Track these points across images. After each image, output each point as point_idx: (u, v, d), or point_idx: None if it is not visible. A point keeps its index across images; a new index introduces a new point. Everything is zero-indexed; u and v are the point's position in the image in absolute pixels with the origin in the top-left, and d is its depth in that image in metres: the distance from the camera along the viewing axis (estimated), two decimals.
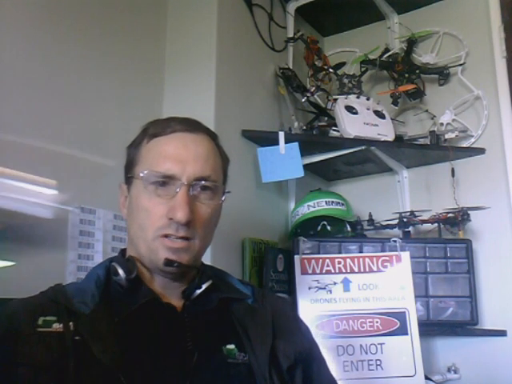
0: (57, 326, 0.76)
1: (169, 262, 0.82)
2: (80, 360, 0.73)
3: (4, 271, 1.09)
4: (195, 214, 0.83)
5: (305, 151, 1.64)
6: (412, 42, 1.93)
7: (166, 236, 0.82)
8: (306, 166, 1.65)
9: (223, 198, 0.89)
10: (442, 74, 1.90)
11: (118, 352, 0.75)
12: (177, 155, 0.84)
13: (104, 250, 1.29)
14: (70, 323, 0.76)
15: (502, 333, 1.68)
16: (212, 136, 0.91)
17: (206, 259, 1.10)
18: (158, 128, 0.88)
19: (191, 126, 0.89)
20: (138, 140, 0.90)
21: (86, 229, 1.26)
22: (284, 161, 1.59)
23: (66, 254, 1.22)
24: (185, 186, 0.82)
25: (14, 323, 0.76)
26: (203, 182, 0.84)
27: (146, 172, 0.84)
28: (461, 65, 1.88)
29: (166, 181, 0.83)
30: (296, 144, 1.60)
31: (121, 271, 0.82)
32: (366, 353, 1.43)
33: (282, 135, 1.61)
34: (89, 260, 1.25)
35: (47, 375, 0.70)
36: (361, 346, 1.44)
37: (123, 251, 0.91)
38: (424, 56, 1.94)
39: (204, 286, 0.85)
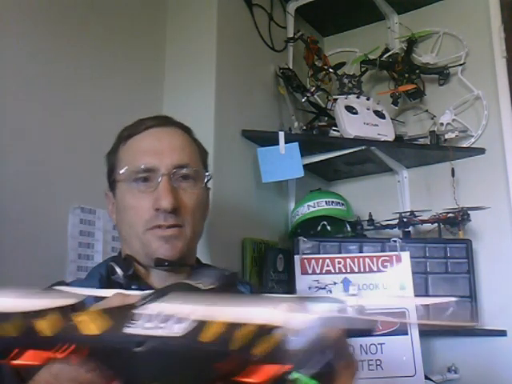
0: None
1: (159, 262, 0.83)
2: None
3: (4, 270, 1.09)
4: (180, 202, 0.84)
5: (305, 151, 1.64)
6: (412, 42, 1.93)
7: (156, 227, 0.83)
8: (305, 166, 1.64)
9: (205, 181, 0.90)
10: (442, 74, 1.90)
11: None
12: (153, 148, 0.86)
13: (104, 249, 1.29)
14: None
15: (502, 333, 1.68)
16: (185, 129, 0.93)
17: (207, 259, 1.10)
18: (131, 129, 0.90)
19: (163, 120, 0.91)
20: (115, 146, 0.93)
21: (86, 229, 1.26)
22: (284, 161, 1.59)
23: (66, 254, 1.22)
24: (165, 175, 0.84)
25: None
26: (183, 170, 0.85)
27: (125, 168, 0.85)
28: (461, 65, 1.87)
29: (146, 176, 0.85)
30: (296, 144, 1.60)
31: (118, 270, 0.83)
32: (366, 353, 1.43)
33: (281, 135, 1.61)
34: (89, 260, 1.25)
35: None
36: (361, 346, 1.44)
37: (121, 252, 0.92)
38: (424, 56, 1.94)
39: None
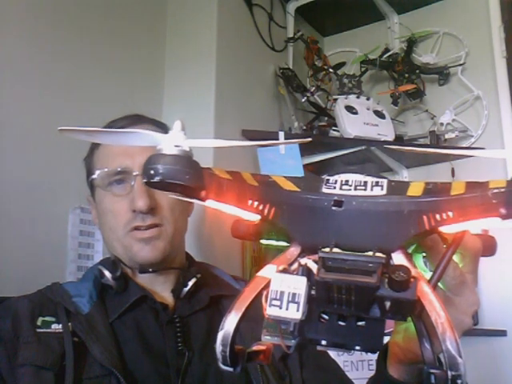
0: (56, 327, 0.76)
1: (143, 269, 0.84)
2: (79, 361, 0.73)
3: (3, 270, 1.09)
4: (157, 201, 0.84)
5: (305, 151, 1.64)
6: (412, 42, 1.93)
7: (136, 229, 0.83)
8: (305, 166, 1.64)
9: None
10: (442, 74, 1.90)
11: (115, 352, 0.75)
12: (125, 150, 0.85)
13: (104, 250, 1.29)
14: (69, 324, 0.76)
15: (502, 333, 1.68)
16: (160, 126, 0.91)
17: (207, 259, 1.10)
18: None
19: (135, 119, 0.90)
20: (90, 150, 0.92)
21: (86, 229, 1.26)
22: (284, 161, 1.59)
23: (66, 254, 1.22)
24: (139, 176, 0.83)
25: (15, 324, 0.76)
26: None
27: (98, 173, 0.85)
28: (461, 65, 1.87)
29: (120, 178, 0.84)
30: (296, 144, 1.60)
31: (106, 272, 0.83)
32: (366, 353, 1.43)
33: (281, 135, 1.61)
34: (89, 260, 1.25)
35: (48, 376, 0.70)
36: None
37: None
38: (424, 56, 1.94)
39: (190, 283, 0.85)
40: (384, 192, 0.35)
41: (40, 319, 0.76)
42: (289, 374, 0.83)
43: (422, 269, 0.42)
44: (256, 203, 0.36)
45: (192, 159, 0.35)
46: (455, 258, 0.43)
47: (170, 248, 0.86)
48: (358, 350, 0.34)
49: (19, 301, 0.81)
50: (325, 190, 0.36)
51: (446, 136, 1.80)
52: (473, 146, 1.82)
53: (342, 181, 0.36)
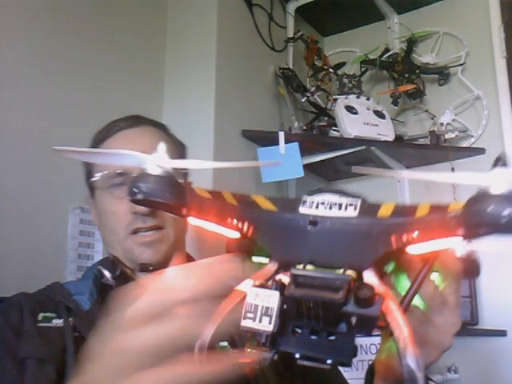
0: (57, 322, 0.76)
1: (143, 268, 0.83)
2: (80, 355, 0.73)
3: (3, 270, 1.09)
4: None
5: (305, 151, 1.64)
6: (412, 42, 1.93)
7: (137, 231, 0.82)
8: (305, 166, 1.64)
9: (184, 177, 0.88)
10: (442, 74, 1.90)
11: None
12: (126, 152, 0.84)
13: (104, 249, 1.29)
14: (70, 319, 0.76)
15: (502, 333, 1.68)
16: (159, 126, 0.91)
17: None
18: (103, 132, 0.89)
19: (135, 120, 0.89)
20: None
21: (86, 229, 1.26)
22: (284, 161, 1.59)
23: (66, 254, 1.22)
24: None
25: (21, 317, 0.76)
26: None
27: (99, 175, 0.84)
28: (461, 65, 1.88)
29: (121, 180, 0.84)
30: (296, 144, 1.60)
31: (106, 272, 0.83)
32: (366, 353, 1.43)
33: (281, 135, 1.61)
34: (89, 260, 1.25)
35: (49, 369, 0.71)
36: (361, 346, 1.43)
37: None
38: (424, 56, 1.94)
39: None
40: (356, 213, 0.37)
41: (41, 315, 0.77)
42: (289, 376, 0.83)
43: (405, 288, 0.43)
44: (235, 221, 0.39)
45: (174, 179, 0.38)
46: (438, 279, 0.45)
47: (172, 250, 0.85)
48: (330, 364, 0.36)
49: (23, 296, 0.81)
50: (301, 210, 0.38)
51: (446, 136, 1.80)
52: (473, 146, 1.82)
53: (318, 201, 0.38)
